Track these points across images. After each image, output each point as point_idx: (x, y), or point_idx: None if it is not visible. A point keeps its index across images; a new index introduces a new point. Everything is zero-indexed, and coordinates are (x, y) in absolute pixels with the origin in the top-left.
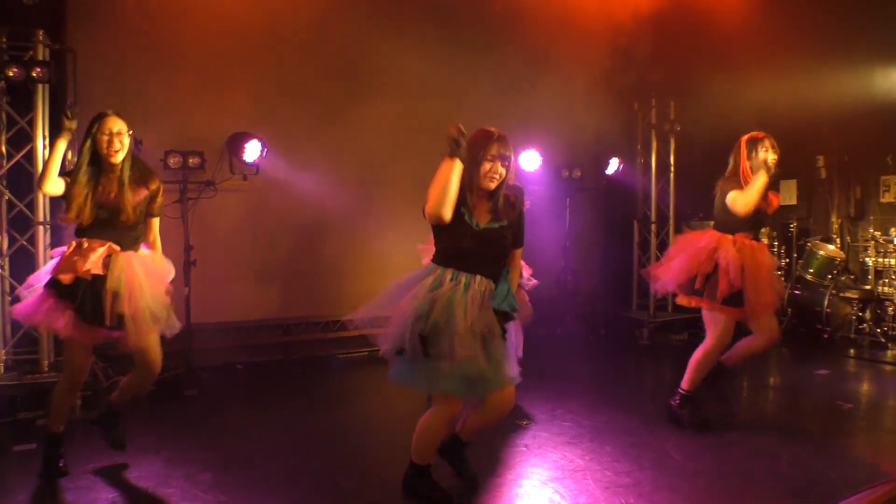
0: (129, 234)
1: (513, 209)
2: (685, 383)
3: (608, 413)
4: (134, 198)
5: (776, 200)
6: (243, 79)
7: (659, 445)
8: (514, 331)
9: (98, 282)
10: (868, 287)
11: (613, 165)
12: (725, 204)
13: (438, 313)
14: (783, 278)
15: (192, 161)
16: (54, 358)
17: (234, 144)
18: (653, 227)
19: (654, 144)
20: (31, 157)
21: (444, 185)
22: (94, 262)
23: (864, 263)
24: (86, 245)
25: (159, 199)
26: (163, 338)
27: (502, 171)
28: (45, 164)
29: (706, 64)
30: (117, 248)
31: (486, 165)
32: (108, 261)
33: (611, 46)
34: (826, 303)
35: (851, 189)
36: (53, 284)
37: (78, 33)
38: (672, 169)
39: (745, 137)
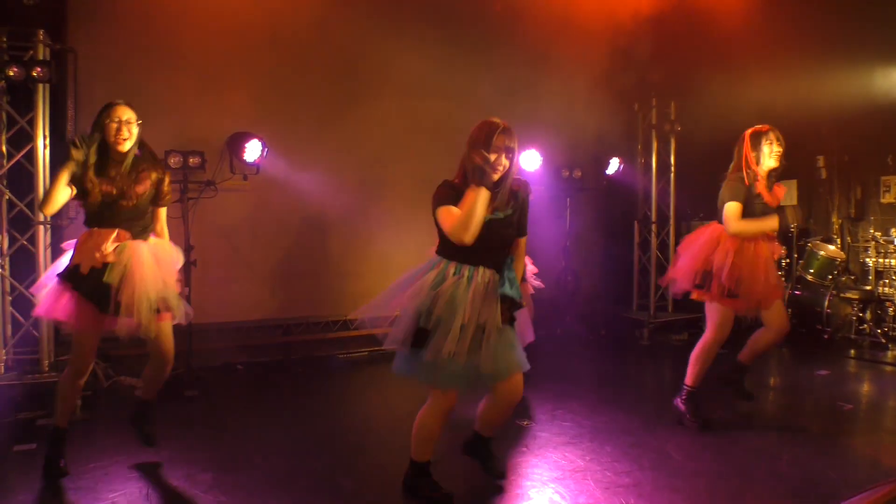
0: (137, 223)
1: (516, 198)
2: (688, 378)
3: (608, 413)
4: (140, 186)
5: (781, 193)
6: (243, 79)
7: (659, 446)
8: (523, 317)
9: (108, 269)
10: (868, 287)
11: (614, 165)
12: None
13: (441, 309)
14: (783, 277)
15: (193, 161)
16: (54, 358)
17: (235, 144)
18: (653, 227)
19: (655, 144)
20: (31, 156)
21: (470, 212)
22: (106, 250)
23: (864, 264)
24: (96, 233)
25: (165, 189)
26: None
27: (506, 162)
28: (49, 192)
29: (706, 64)
30: (127, 233)
31: (492, 156)
32: (118, 248)
33: (611, 46)
34: (826, 303)
35: (852, 189)
36: (68, 276)
37: (78, 33)
38: (672, 169)
39: (750, 131)
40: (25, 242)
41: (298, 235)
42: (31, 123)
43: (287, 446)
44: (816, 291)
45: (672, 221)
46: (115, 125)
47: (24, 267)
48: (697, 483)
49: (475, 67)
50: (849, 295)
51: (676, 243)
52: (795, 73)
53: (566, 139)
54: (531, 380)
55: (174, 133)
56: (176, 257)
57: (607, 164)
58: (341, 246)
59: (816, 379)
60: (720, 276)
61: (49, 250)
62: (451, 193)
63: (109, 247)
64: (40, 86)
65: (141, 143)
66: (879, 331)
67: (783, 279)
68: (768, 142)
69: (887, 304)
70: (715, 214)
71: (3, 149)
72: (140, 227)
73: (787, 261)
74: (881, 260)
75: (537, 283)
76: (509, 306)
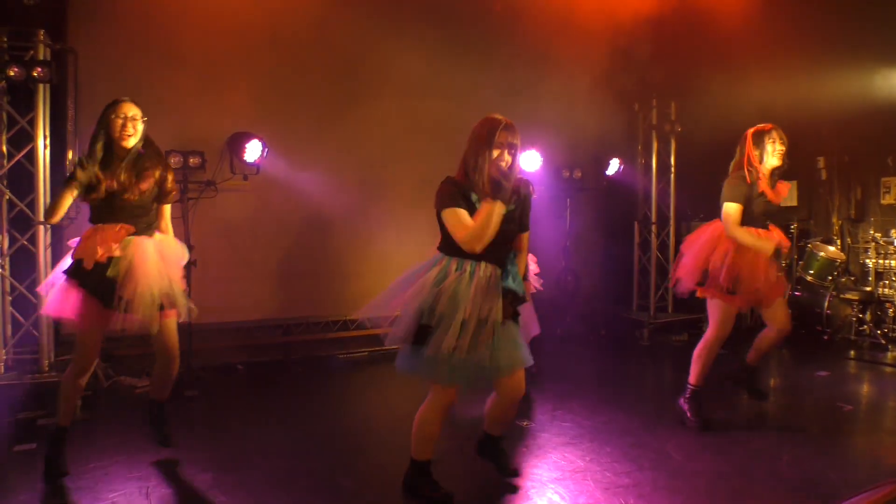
0: (141, 220)
1: (518, 194)
2: (691, 377)
3: (608, 413)
4: (144, 183)
5: (784, 190)
6: (244, 79)
7: (659, 446)
8: (528, 310)
9: (112, 263)
10: (868, 289)
11: (614, 166)
12: None
13: (444, 306)
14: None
15: (193, 161)
16: (54, 358)
17: (235, 144)
18: (653, 227)
19: (655, 145)
20: (31, 156)
21: (484, 225)
22: (110, 245)
23: (864, 265)
24: (100, 229)
25: (169, 186)
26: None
27: (509, 158)
28: (53, 206)
29: (707, 64)
30: (131, 227)
31: (496, 152)
32: (123, 243)
33: (611, 47)
34: (826, 304)
35: (852, 190)
36: (72, 272)
37: (79, 33)
38: (673, 169)
39: (752, 130)
40: (26, 242)
41: (298, 235)
42: (32, 123)
43: (287, 446)
44: (816, 292)
45: (672, 222)
46: (120, 121)
47: (25, 267)
48: (697, 483)
49: (475, 68)
50: (849, 296)
51: (676, 244)
52: (795, 73)
53: (566, 139)
54: (531, 379)
55: (174, 133)
56: (181, 254)
57: (607, 164)
58: (341, 246)
59: (816, 380)
60: (717, 274)
61: (49, 250)
62: (456, 192)
63: (112, 241)
64: (41, 86)
65: (147, 140)
66: (879, 332)
67: (785, 276)
68: (771, 140)
69: (887, 305)
70: (715, 214)
71: (4, 149)
72: (144, 223)
73: (787, 262)
74: (881, 261)
75: (538, 284)
76: (512, 301)
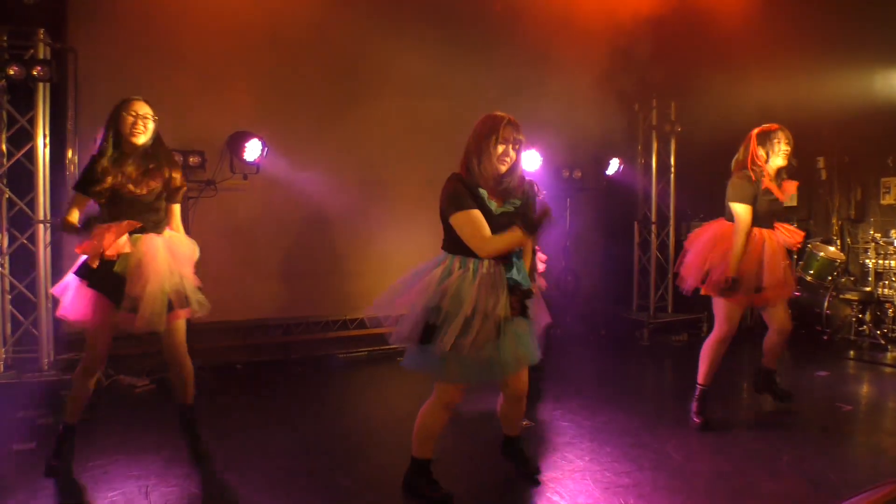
0: (150, 217)
1: (521, 190)
2: (699, 377)
3: (608, 413)
4: (153, 181)
5: (791, 189)
6: (244, 78)
7: (659, 446)
8: (537, 300)
9: (120, 260)
10: (868, 289)
11: (614, 166)
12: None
13: (448, 304)
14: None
15: (193, 160)
16: (54, 357)
17: (235, 144)
18: (653, 227)
19: (655, 145)
20: (31, 155)
21: (505, 247)
22: (117, 242)
23: (864, 265)
24: (107, 227)
25: (177, 184)
26: (151, 334)
27: (513, 154)
28: (66, 231)
29: (707, 65)
30: (136, 224)
31: (500, 148)
32: (132, 240)
33: (611, 47)
34: (826, 304)
35: (852, 191)
36: (83, 272)
37: (79, 33)
38: (672, 170)
39: (757, 130)
40: (25, 241)
41: (298, 235)
42: (32, 122)
43: (287, 446)
44: (816, 293)
45: (672, 222)
46: (131, 118)
47: (24, 265)
48: (697, 483)
49: (475, 67)
50: (848, 296)
51: (676, 244)
52: (795, 73)
53: (566, 139)
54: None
55: (174, 132)
56: (191, 250)
57: (607, 164)
58: (341, 245)
59: (816, 380)
60: (715, 273)
61: (49, 249)
62: (465, 191)
63: (123, 238)
64: (41, 85)
65: (157, 139)
66: (879, 332)
67: (793, 275)
68: (777, 140)
69: (887, 305)
70: (716, 214)
71: (4, 147)
72: (153, 221)
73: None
74: (881, 261)
75: (542, 282)
76: (519, 297)
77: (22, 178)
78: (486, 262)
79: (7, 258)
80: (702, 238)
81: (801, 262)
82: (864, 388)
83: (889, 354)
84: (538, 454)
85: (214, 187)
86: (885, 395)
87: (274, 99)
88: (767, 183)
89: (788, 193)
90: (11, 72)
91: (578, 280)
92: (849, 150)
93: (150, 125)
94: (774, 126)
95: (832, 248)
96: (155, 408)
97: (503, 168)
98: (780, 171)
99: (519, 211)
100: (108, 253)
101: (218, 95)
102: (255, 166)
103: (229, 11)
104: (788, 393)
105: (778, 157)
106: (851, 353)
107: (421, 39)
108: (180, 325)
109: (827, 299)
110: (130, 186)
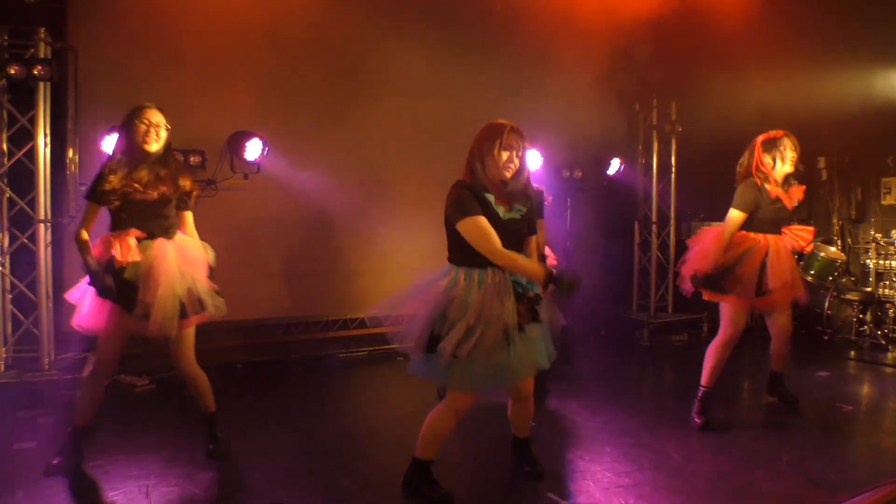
0: (159, 223)
1: (528, 197)
2: (702, 378)
3: (608, 413)
4: (162, 185)
5: (799, 194)
6: (244, 78)
7: (659, 446)
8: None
9: (129, 267)
10: (869, 289)
11: (614, 166)
12: None
13: (454, 314)
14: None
15: (193, 160)
16: (54, 356)
17: (235, 143)
18: (654, 227)
19: (656, 145)
20: (32, 155)
21: (516, 270)
22: (128, 249)
23: (864, 265)
24: (112, 237)
25: (187, 190)
26: (161, 340)
27: (517, 161)
28: (80, 249)
29: (707, 64)
30: (141, 234)
31: (504, 154)
32: (141, 246)
33: (612, 47)
34: (827, 305)
35: (852, 191)
36: (93, 280)
37: (79, 32)
38: (673, 170)
39: (762, 138)
40: (26, 241)
41: (298, 234)
42: (32, 122)
43: (287, 446)
44: (817, 293)
45: (672, 222)
46: (144, 126)
47: (25, 265)
48: (697, 484)
49: (475, 67)
50: (849, 296)
51: (677, 244)
52: (795, 73)
53: (567, 139)
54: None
55: (174, 132)
56: (204, 255)
57: (608, 164)
58: (341, 245)
59: (816, 380)
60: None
61: (49, 248)
62: (471, 197)
63: (132, 244)
64: (41, 84)
65: (168, 149)
66: (879, 332)
67: (802, 280)
68: (783, 147)
69: (887, 305)
70: (716, 214)
71: (4, 147)
72: (162, 227)
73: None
74: (881, 261)
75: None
76: (527, 304)
77: (22, 177)
78: (490, 272)
79: (8, 258)
80: (704, 241)
81: (801, 263)
82: (865, 389)
83: (889, 355)
84: (538, 454)
85: (215, 187)
86: (885, 396)
87: (274, 99)
88: (774, 190)
89: (796, 200)
90: (12, 71)
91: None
92: (849, 150)
93: (163, 133)
94: (780, 133)
95: (833, 249)
96: (155, 408)
97: (508, 174)
98: (787, 177)
99: (523, 219)
100: (117, 260)
101: (218, 95)
102: (255, 166)
103: (229, 11)
104: (795, 398)
105: (786, 164)
106: (852, 353)
107: (421, 39)
108: (189, 334)
109: (828, 299)
110: (141, 192)
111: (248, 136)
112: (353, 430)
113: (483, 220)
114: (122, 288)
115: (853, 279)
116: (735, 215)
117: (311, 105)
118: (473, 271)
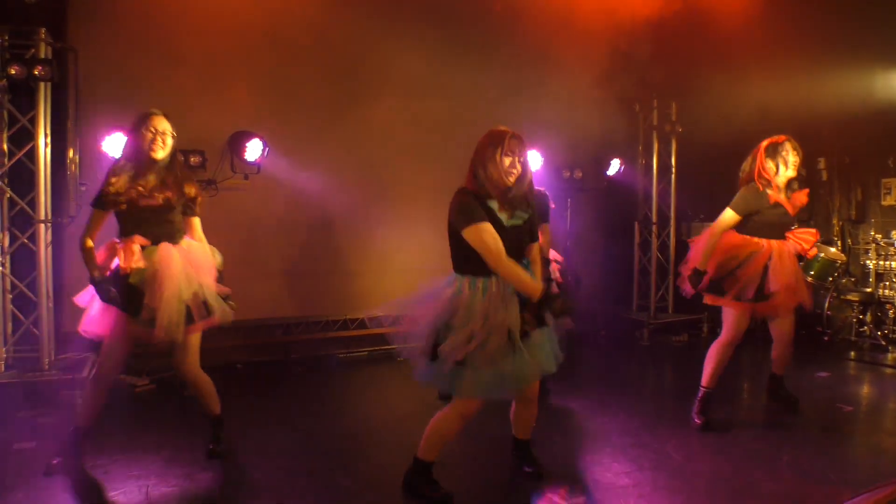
0: (164, 228)
1: (527, 203)
2: (703, 379)
3: (608, 413)
4: (167, 191)
5: (800, 199)
6: (244, 78)
7: (659, 446)
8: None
9: (134, 272)
10: (869, 290)
11: (614, 166)
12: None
13: (459, 323)
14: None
15: (194, 160)
16: (55, 356)
17: (236, 143)
18: (654, 228)
19: (656, 145)
20: (32, 155)
21: (514, 281)
22: (132, 255)
23: (864, 266)
24: (117, 244)
25: (192, 195)
26: (167, 345)
27: (519, 167)
28: (85, 257)
29: (707, 65)
30: (145, 241)
31: (506, 161)
32: (146, 251)
33: (612, 47)
34: (827, 305)
35: (852, 191)
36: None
37: (79, 33)
38: (673, 170)
39: (765, 143)
40: (26, 241)
41: (299, 235)
42: (33, 122)
43: (287, 446)
44: (817, 293)
45: (673, 222)
46: (150, 134)
47: (25, 265)
48: (697, 484)
49: (475, 68)
50: (849, 297)
51: (677, 244)
52: (796, 73)
53: (567, 139)
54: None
55: (175, 132)
56: (212, 259)
57: (608, 164)
58: (341, 245)
59: (816, 381)
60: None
61: (49, 248)
62: (475, 204)
63: (136, 250)
64: (42, 84)
65: (174, 156)
66: (879, 333)
67: (806, 284)
68: (785, 152)
69: (887, 306)
70: (716, 214)
71: (5, 147)
72: (168, 232)
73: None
74: (881, 262)
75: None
76: (533, 310)
77: (23, 177)
78: (494, 280)
79: (8, 258)
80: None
81: (802, 263)
82: (865, 389)
83: (889, 355)
84: (538, 454)
85: (215, 187)
86: (885, 396)
87: (274, 99)
88: (776, 196)
89: (800, 205)
90: (12, 71)
91: (578, 280)
92: (849, 151)
93: (169, 141)
94: (782, 138)
95: (833, 249)
96: (155, 408)
97: (511, 179)
98: (790, 182)
99: (526, 225)
100: (122, 267)
101: (218, 95)
102: (255, 166)
103: (229, 11)
104: (795, 398)
105: (788, 169)
106: (852, 353)
107: (421, 39)
108: (194, 340)
109: (828, 300)
110: (146, 197)
111: (248, 136)
112: (353, 430)
113: (489, 227)
114: (127, 293)
115: (853, 280)
116: (728, 214)
117: (311, 105)
118: (478, 280)
